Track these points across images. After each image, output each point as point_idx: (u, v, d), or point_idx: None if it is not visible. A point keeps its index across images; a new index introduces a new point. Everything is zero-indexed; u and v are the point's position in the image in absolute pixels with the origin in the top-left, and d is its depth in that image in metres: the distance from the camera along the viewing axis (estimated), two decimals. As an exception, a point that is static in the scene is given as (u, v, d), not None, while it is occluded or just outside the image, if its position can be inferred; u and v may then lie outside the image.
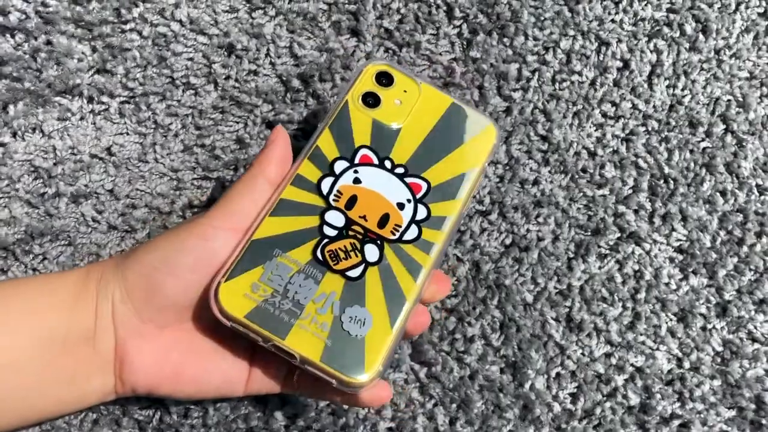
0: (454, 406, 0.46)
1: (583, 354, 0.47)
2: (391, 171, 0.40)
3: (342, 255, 0.38)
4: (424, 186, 0.41)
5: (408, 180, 0.40)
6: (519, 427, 0.45)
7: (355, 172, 0.40)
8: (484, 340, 0.47)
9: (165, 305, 0.37)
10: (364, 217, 0.39)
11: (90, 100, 0.47)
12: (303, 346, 0.36)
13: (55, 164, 0.46)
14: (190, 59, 0.49)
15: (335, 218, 0.39)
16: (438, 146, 0.42)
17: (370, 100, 0.42)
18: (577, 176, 0.51)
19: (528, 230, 0.49)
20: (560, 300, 0.48)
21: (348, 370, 0.36)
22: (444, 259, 0.48)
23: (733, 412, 0.47)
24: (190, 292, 0.37)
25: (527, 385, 0.46)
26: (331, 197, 0.39)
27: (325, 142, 0.40)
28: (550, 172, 0.51)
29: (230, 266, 0.36)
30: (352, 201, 0.39)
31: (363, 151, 0.41)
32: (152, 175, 0.47)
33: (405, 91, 0.42)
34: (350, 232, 0.39)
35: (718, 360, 0.48)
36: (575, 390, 0.47)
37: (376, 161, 0.40)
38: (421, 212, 0.40)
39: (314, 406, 0.45)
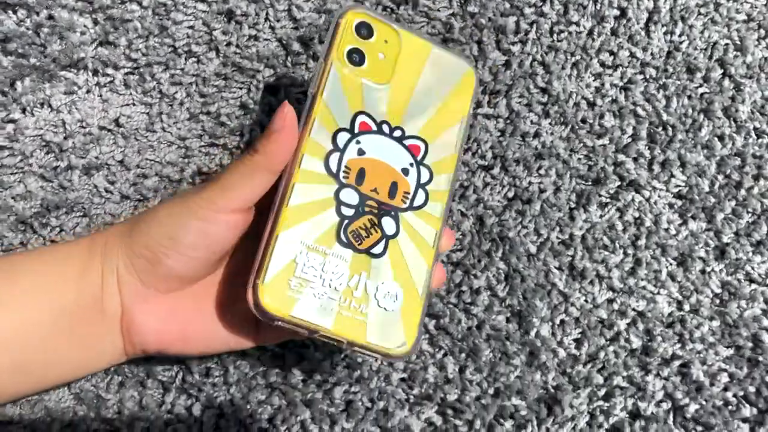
0: (462, 355, 0.48)
1: (586, 301, 0.49)
2: (391, 135, 0.41)
3: (363, 233, 0.39)
4: (422, 147, 0.41)
5: (407, 143, 0.41)
6: (526, 373, 0.47)
7: (358, 142, 0.40)
8: (489, 291, 0.49)
9: (168, 276, 0.39)
10: (375, 190, 0.39)
11: (95, 72, 0.48)
12: (349, 332, 0.37)
13: (65, 138, 0.47)
14: (191, 27, 0.49)
15: (349, 196, 0.39)
16: (427, 100, 0.42)
17: (356, 57, 0.40)
18: (577, 127, 0.51)
19: (530, 183, 0.50)
20: (563, 249, 0.49)
21: (392, 345, 0.38)
22: (449, 214, 0.49)
23: (731, 351, 0.49)
24: (193, 265, 0.39)
25: (533, 333, 0.48)
26: (341, 174, 0.39)
27: (322, 113, 0.39)
28: (550, 124, 0.51)
29: (264, 266, 0.36)
30: (361, 175, 0.39)
31: (360, 118, 0.40)
32: (161, 145, 0.48)
33: (386, 42, 0.41)
34: (366, 208, 0.39)
35: (717, 301, 0.50)
36: (579, 336, 0.48)
37: (374, 127, 0.40)
38: (424, 174, 0.41)
39: (330, 361, 0.47)
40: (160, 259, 0.38)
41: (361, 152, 0.40)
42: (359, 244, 0.38)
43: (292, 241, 0.37)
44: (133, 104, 0.48)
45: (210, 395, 0.45)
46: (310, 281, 0.37)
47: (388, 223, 0.39)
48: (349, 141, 0.39)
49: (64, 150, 0.47)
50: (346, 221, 0.38)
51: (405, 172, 0.41)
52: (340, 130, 0.39)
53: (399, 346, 0.38)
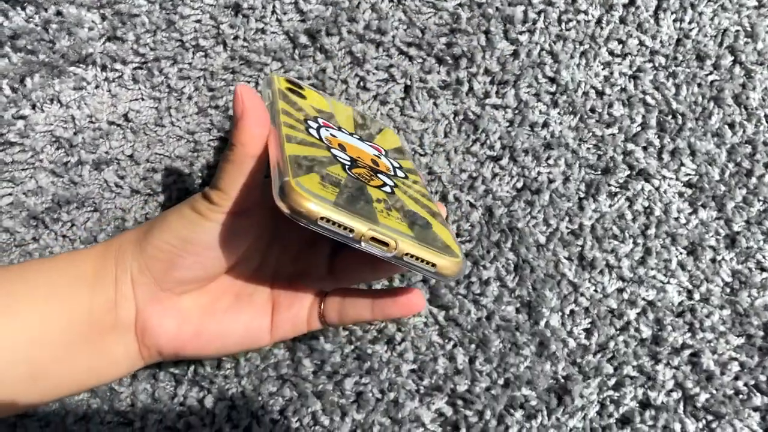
0: (472, 346, 0.48)
1: (595, 291, 0.49)
2: (350, 136, 0.42)
3: (367, 177, 0.36)
4: (382, 150, 0.43)
5: (368, 143, 0.42)
6: (536, 363, 0.48)
7: (327, 130, 0.40)
8: (499, 282, 0.49)
9: (183, 277, 0.39)
10: (359, 158, 0.38)
11: (103, 68, 0.48)
12: (395, 235, 0.31)
13: (75, 133, 0.47)
14: (198, 21, 0.49)
15: (341, 154, 0.37)
16: (365, 130, 0.45)
17: (296, 91, 0.42)
18: (585, 116, 0.51)
19: (539, 173, 0.50)
20: (572, 239, 0.49)
21: (445, 252, 0.32)
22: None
23: (742, 340, 0.48)
24: (209, 266, 0.39)
25: (542, 323, 0.48)
26: (320, 136, 0.38)
27: (286, 115, 0.37)
28: (559, 113, 0.51)
29: (287, 167, 0.31)
30: (342, 147, 0.38)
31: (320, 120, 0.41)
32: (170, 139, 0.49)
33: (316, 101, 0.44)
34: (358, 163, 0.37)
35: (728, 290, 0.49)
36: (589, 325, 0.48)
37: (335, 128, 0.41)
38: (395, 164, 0.42)
39: (340, 352, 0.47)
40: (175, 261, 0.38)
41: (333, 136, 0.40)
42: (362, 177, 0.35)
43: (304, 162, 0.33)
44: (142, 99, 0.49)
45: (222, 387, 0.46)
46: (339, 188, 0.32)
47: (384, 178, 0.37)
48: (318, 128, 0.39)
49: (74, 145, 0.47)
50: (347, 165, 0.36)
51: (378, 157, 0.41)
52: (307, 119, 0.39)
53: (452, 256, 0.32)
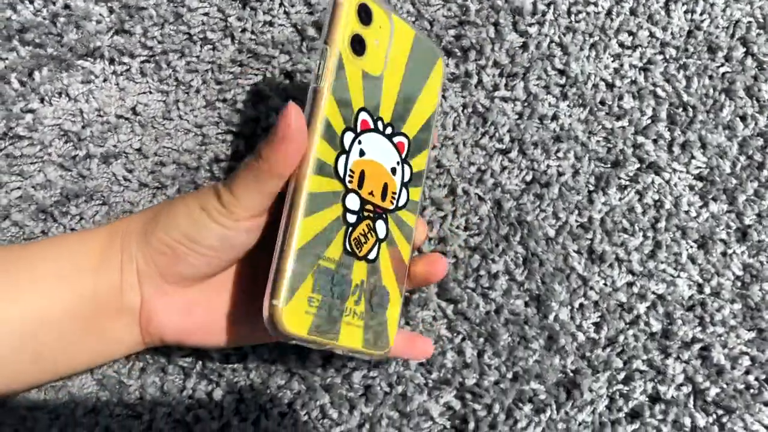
0: (481, 340, 0.48)
1: (605, 284, 0.49)
2: (383, 133, 0.39)
3: (363, 240, 0.38)
4: (406, 143, 0.41)
5: (395, 140, 0.40)
6: (545, 357, 0.47)
7: (359, 143, 0.38)
8: (508, 275, 0.48)
9: (188, 272, 0.39)
10: (371, 193, 0.39)
11: (111, 61, 0.48)
12: (351, 341, 0.37)
13: (83, 127, 0.47)
14: (206, 14, 0.49)
15: (353, 202, 0.38)
16: (410, 92, 0.40)
17: (358, 46, 0.37)
18: (595, 109, 0.51)
19: (548, 166, 0.50)
20: (581, 233, 0.49)
21: (380, 348, 0.39)
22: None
23: (753, 334, 0.48)
24: (213, 264, 0.39)
25: (551, 317, 0.48)
26: (347, 178, 0.37)
27: (331, 111, 0.36)
28: (568, 106, 0.51)
29: (282, 285, 0.34)
30: (361, 178, 0.38)
31: (362, 116, 0.38)
32: (178, 132, 0.49)
33: (380, 27, 0.38)
34: (364, 213, 0.38)
35: (739, 284, 0.49)
36: (598, 319, 0.48)
37: (372, 125, 0.39)
38: (407, 173, 0.41)
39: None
40: (181, 257, 0.38)
41: (362, 153, 0.38)
42: (359, 252, 0.38)
43: (308, 255, 0.35)
44: (150, 92, 0.49)
45: (230, 380, 0.46)
46: (323, 296, 0.36)
47: (380, 227, 0.40)
48: (353, 141, 0.37)
49: (83, 139, 0.47)
50: (350, 229, 0.37)
51: (393, 171, 0.40)
52: (346, 129, 0.37)
53: (384, 349, 0.40)
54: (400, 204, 0.41)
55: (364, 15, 0.37)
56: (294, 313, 0.34)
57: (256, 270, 0.41)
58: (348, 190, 0.37)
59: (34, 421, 0.44)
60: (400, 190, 0.41)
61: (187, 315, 0.40)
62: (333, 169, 0.36)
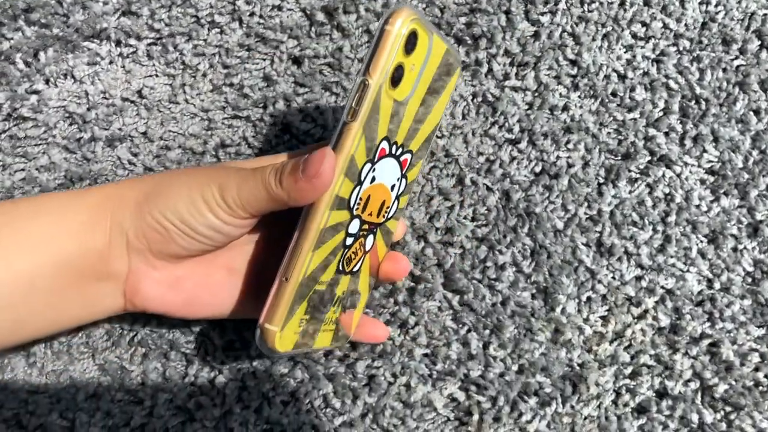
0: (486, 331, 0.47)
1: (613, 278, 0.48)
2: (394, 155, 0.38)
3: (353, 257, 0.39)
4: (409, 159, 0.40)
5: (402, 158, 0.39)
6: (551, 350, 0.47)
7: (373, 171, 0.37)
8: (515, 267, 0.48)
9: (178, 253, 0.39)
10: (370, 214, 0.39)
11: (118, 43, 0.47)
12: (322, 343, 0.40)
13: (88, 109, 0.47)
14: (214, -3, 0.48)
15: (354, 226, 0.38)
16: (426, 110, 0.38)
17: (396, 77, 0.34)
18: (607, 100, 0.50)
19: (558, 157, 0.49)
20: (590, 225, 0.48)
21: (341, 340, 0.42)
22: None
23: (763, 331, 0.47)
24: (203, 248, 0.39)
25: (558, 309, 0.47)
26: (355, 206, 0.37)
27: (358, 147, 0.34)
28: (579, 97, 0.50)
29: (285, 314, 0.35)
30: (366, 202, 0.38)
31: (382, 145, 0.36)
32: (183, 116, 0.48)
33: (420, 53, 0.35)
34: (361, 232, 0.39)
35: (749, 280, 0.48)
36: (606, 313, 0.48)
37: (388, 151, 0.37)
38: (402, 185, 0.41)
39: (352, 335, 0.47)
40: (173, 237, 0.38)
41: (373, 180, 0.37)
42: (348, 268, 0.39)
43: (309, 284, 0.36)
44: (156, 75, 0.48)
45: (233, 367, 0.45)
46: (311, 316, 0.37)
47: (369, 241, 0.40)
48: (368, 172, 0.36)
49: (88, 121, 0.47)
50: (345, 251, 0.38)
51: (392, 187, 0.40)
52: (367, 162, 0.36)
53: (345, 339, 0.42)
54: (390, 215, 0.41)
55: (411, 44, 0.34)
56: (286, 336, 0.36)
57: (246, 247, 0.42)
58: (353, 217, 0.37)
59: (35, 404, 0.44)
60: (393, 203, 0.40)
61: (174, 289, 0.40)
62: (347, 202, 0.36)
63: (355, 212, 0.37)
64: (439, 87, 0.38)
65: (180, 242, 0.38)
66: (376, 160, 0.36)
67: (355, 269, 0.40)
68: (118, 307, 0.40)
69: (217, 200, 0.36)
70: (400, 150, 0.38)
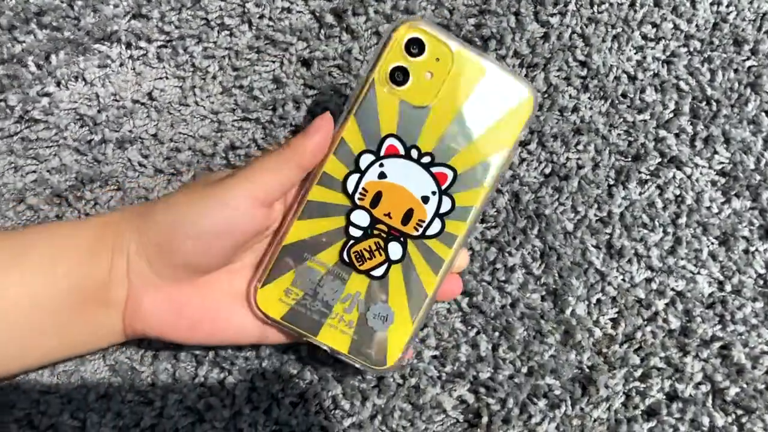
0: (496, 333, 0.47)
1: (623, 280, 0.48)
2: (417, 161, 0.39)
3: (367, 255, 0.40)
4: (450, 175, 0.39)
5: (434, 170, 0.39)
6: (560, 352, 0.47)
7: (381, 165, 0.39)
8: (524, 269, 0.48)
9: (181, 263, 0.38)
10: (388, 215, 0.40)
11: (128, 45, 0.48)
12: (333, 342, 0.40)
13: (99, 111, 0.47)
14: (224, -1, 0.49)
15: (360, 218, 0.40)
16: (469, 127, 0.39)
17: (399, 76, 0.38)
18: (617, 101, 0.50)
19: (568, 158, 0.49)
20: (600, 227, 0.48)
21: (372, 362, 0.41)
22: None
23: (774, 333, 0.47)
24: (209, 254, 0.38)
25: (568, 311, 0.47)
26: (357, 196, 0.39)
27: (351, 133, 0.38)
28: (589, 98, 0.50)
29: (265, 272, 0.40)
30: (377, 198, 0.39)
31: (389, 141, 0.39)
32: (193, 118, 0.48)
33: (437, 60, 0.37)
34: (375, 231, 0.40)
35: (761, 282, 0.48)
36: (616, 315, 0.47)
37: (402, 151, 0.39)
38: (446, 204, 0.40)
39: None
40: (177, 246, 0.37)
41: (382, 175, 0.39)
42: (360, 265, 0.40)
43: (295, 253, 0.39)
44: (166, 78, 0.48)
45: (242, 369, 0.45)
46: (304, 292, 0.40)
47: (394, 248, 0.40)
48: (372, 163, 0.39)
49: (98, 123, 0.47)
50: (351, 242, 0.40)
51: (425, 199, 0.40)
52: (365, 151, 0.39)
53: (379, 365, 0.41)
54: (430, 233, 0.40)
55: (415, 48, 0.37)
56: (269, 296, 0.40)
57: (246, 271, 0.42)
58: (356, 207, 0.39)
59: (46, 404, 0.44)
60: (432, 219, 0.40)
61: (175, 313, 0.39)
62: (341, 184, 0.39)
63: (358, 202, 0.39)
64: (489, 108, 0.38)
65: (184, 248, 0.37)
66: (382, 154, 0.39)
67: (376, 273, 0.40)
68: (118, 334, 0.40)
69: (225, 190, 0.37)
70: (429, 158, 0.39)
